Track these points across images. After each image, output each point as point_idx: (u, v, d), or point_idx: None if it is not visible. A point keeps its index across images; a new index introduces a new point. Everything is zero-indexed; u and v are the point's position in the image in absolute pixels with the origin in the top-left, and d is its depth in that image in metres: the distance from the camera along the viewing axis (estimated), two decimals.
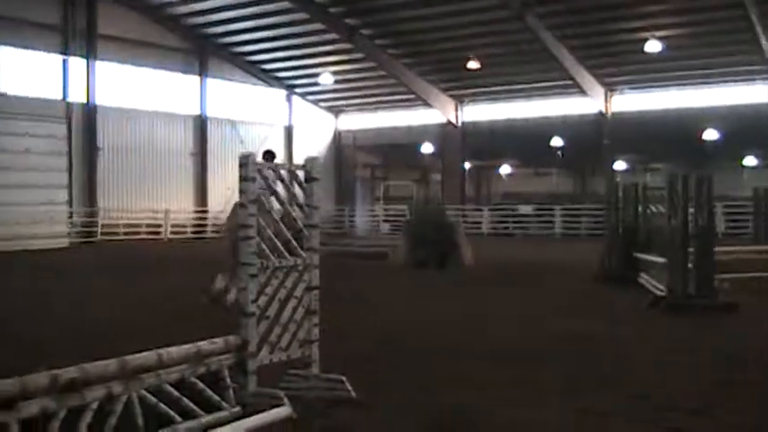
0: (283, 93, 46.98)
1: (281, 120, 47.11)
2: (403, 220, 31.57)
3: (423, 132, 46.94)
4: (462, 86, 43.77)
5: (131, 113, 38.44)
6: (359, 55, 40.95)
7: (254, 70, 44.47)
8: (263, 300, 6.67)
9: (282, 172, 7.14)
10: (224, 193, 38.34)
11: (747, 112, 36.73)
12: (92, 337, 10.14)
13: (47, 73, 35.14)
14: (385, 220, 45.79)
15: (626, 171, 48.20)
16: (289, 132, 47.41)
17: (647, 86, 39.90)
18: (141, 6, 38.22)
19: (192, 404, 5.87)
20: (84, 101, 36.28)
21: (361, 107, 49.04)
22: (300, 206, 7.26)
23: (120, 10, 37.27)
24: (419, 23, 37.55)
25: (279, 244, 6.94)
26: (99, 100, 36.78)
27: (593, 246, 21.67)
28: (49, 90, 34.84)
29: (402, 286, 17.43)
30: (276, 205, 7.45)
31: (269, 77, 45.38)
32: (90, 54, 36.14)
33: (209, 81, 42.25)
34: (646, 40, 34.49)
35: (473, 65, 38.85)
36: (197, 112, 41.90)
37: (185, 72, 41.12)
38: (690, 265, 12.80)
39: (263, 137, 42.90)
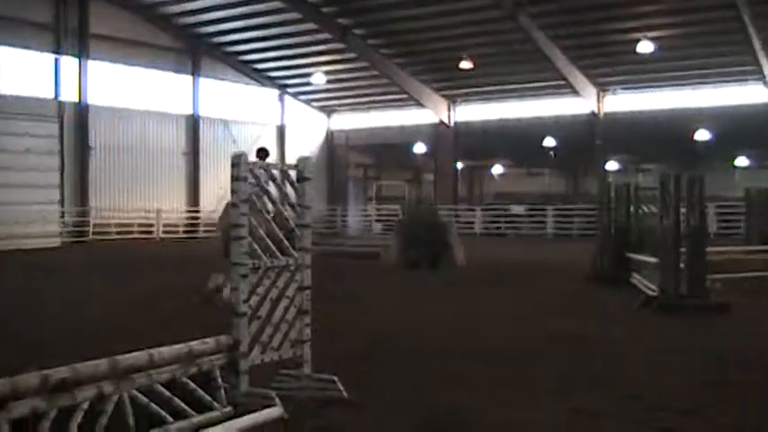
0: (276, 92, 46.96)
1: (274, 119, 47.08)
2: (395, 220, 31.58)
3: (415, 132, 46.95)
4: (455, 86, 43.77)
5: (123, 113, 38.37)
6: (351, 55, 40.94)
7: (246, 70, 44.43)
8: (254, 300, 6.66)
9: (274, 172, 7.13)
10: (216, 192, 38.30)
11: (739, 112, 36.82)
12: (83, 337, 10.11)
13: (38, 72, 35.05)
14: (377, 220, 45.76)
15: (618, 171, 48.37)
16: (281, 132, 47.37)
17: (639, 87, 39.96)
18: (133, 6, 38.15)
19: (183, 404, 5.86)
20: (76, 100, 36.21)
21: (353, 107, 49.03)
22: (292, 206, 7.25)
23: (112, 9, 37.21)
24: (412, 23, 37.55)
25: (271, 244, 6.93)
26: (91, 99, 36.71)
27: (585, 246, 21.67)
28: (41, 89, 34.76)
29: (394, 286, 17.42)
30: (268, 205, 7.44)
31: (261, 77, 45.35)
32: (82, 53, 36.06)
33: (202, 80, 42.21)
34: (638, 40, 34.53)
35: (466, 65, 38.84)
36: (189, 111, 41.86)
37: (177, 71, 41.07)
38: (682, 266, 12.82)
39: (256, 136, 42.83)
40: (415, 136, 47.08)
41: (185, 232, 40.07)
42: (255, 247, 6.70)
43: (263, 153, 14.44)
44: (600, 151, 41.40)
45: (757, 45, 33.34)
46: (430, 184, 49.78)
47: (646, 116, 39.48)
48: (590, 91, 40.40)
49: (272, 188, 7.14)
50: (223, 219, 13.52)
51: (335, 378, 6.95)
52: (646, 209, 17.31)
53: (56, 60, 35.51)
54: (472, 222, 42.82)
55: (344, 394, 6.86)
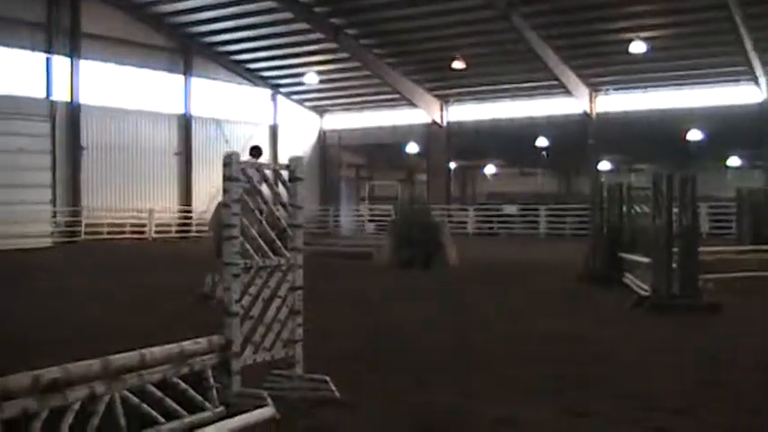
0: (268, 92, 46.93)
1: (266, 119, 47.05)
2: (388, 219, 31.58)
3: (408, 132, 46.96)
4: (447, 86, 43.79)
5: (116, 112, 38.29)
6: (344, 55, 40.92)
7: (238, 69, 44.39)
8: (246, 300, 6.65)
9: (267, 171, 7.12)
10: (209, 192, 38.25)
11: (731, 112, 36.94)
12: (76, 337, 10.09)
13: (30, 71, 34.96)
14: (370, 220, 45.80)
15: (611, 171, 48.49)
16: (274, 132, 47.33)
17: (631, 87, 40.03)
18: (126, 5, 38.07)
19: (175, 404, 5.84)
20: (68, 100, 36.14)
21: (346, 107, 49.01)
22: (284, 206, 7.23)
23: (104, 9, 37.13)
24: (404, 23, 37.55)
25: (263, 244, 6.92)
26: (83, 99, 36.64)
27: (577, 246, 21.71)
28: (33, 88, 34.68)
29: (387, 286, 17.40)
30: (261, 205, 7.42)
31: (254, 77, 45.31)
32: (74, 53, 35.99)
33: (194, 80, 42.15)
34: (631, 40, 34.60)
35: (458, 65, 38.86)
36: (182, 111, 41.81)
37: (170, 71, 41.02)
38: (674, 265, 12.83)
39: (248, 136, 42.73)
40: (408, 136, 47.10)
41: (178, 232, 40.03)
42: (247, 246, 6.68)
43: (256, 151, 14.52)
44: (592, 151, 41.46)
45: (749, 45, 33.43)
46: (422, 184, 49.82)
47: (638, 116, 39.57)
48: (582, 91, 40.46)
49: (264, 188, 7.13)
50: (215, 218, 13.52)
51: (328, 378, 6.94)
52: (638, 209, 17.31)
53: (48, 60, 35.42)
54: (465, 222, 42.85)
55: (337, 394, 6.85)
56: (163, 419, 5.69)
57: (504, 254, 27.57)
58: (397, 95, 44.23)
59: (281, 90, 47.27)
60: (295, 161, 7.15)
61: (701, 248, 13.49)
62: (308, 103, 49.13)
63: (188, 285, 13.55)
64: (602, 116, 40.75)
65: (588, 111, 40.87)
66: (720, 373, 8.37)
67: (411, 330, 11.16)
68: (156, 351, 5.81)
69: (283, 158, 32.86)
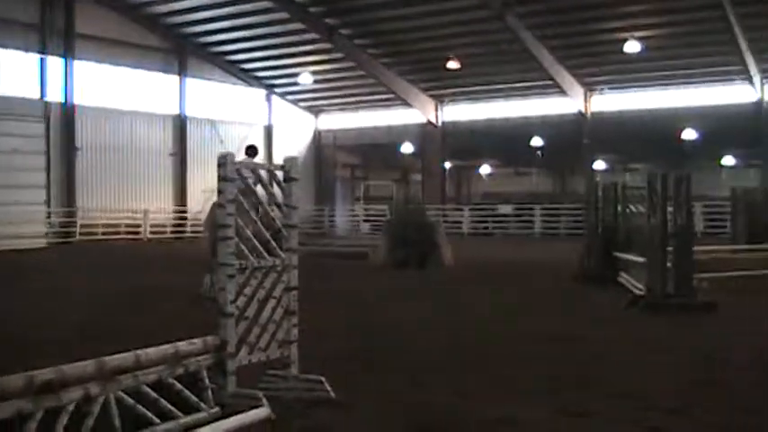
0: (263, 92, 46.89)
1: (261, 119, 47.00)
2: (383, 220, 31.56)
3: (403, 132, 46.95)
4: (442, 86, 43.81)
5: (110, 113, 38.23)
6: (338, 55, 40.92)
7: (233, 70, 44.35)
8: (241, 300, 6.64)
9: (261, 172, 7.11)
10: (204, 192, 38.19)
11: (726, 112, 36.98)
12: (75, 337, 10.08)
13: (24, 72, 34.89)
14: (365, 220, 45.79)
15: (605, 171, 48.43)
16: (268, 132, 47.28)
17: (626, 86, 40.07)
18: (120, 6, 38.01)
19: (170, 405, 5.83)
20: (62, 100, 36.05)
21: (340, 107, 48.99)
22: (279, 206, 7.23)
23: (98, 9, 37.06)
24: (399, 23, 37.55)
25: (257, 244, 6.91)
26: (77, 99, 36.57)
27: (572, 245, 21.72)
28: (27, 89, 34.61)
29: (382, 286, 17.40)
30: (255, 205, 7.42)
31: (248, 77, 45.28)
32: (68, 53, 35.92)
33: (189, 81, 42.10)
34: (625, 40, 34.65)
35: (453, 65, 38.89)
36: (176, 111, 41.76)
37: (164, 72, 40.97)
38: (669, 265, 12.84)
39: (243, 136, 42.66)
40: (403, 136, 47.08)
41: (172, 233, 39.98)
42: (242, 247, 6.68)
43: (251, 151, 14.55)
44: (587, 151, 41.51)
45: (743, 45, 33.49)
46: (417, 184, 49.80)
47: (633, 116, 39.61)
48: (577, 91, 40.49)
49: (258, 188, 7.12)
50: (210, 219, 13.51)
51: (323, 378, 6.94)
52: (633, 208, 17.33)
53: (42, 60, 35.34)
54: (460, 222, 42.88)
55: (332, 395, 6.85)
56: (158, 420, 5.68)
57: (499, 254, 27.59)
58: (391, 95, 44.25)
59: (276, 90, 47.24)
60: (290, 161, 7.14)
61: (695, 248, 13.51)
62: (302, 104, 49.10)
63: (185, 286, 13.53)
64: (596, 116, 40.78)
65: (583, 110, 40.91)
66: (715, 372, 8.38)
67: (406, 330, 11.16)
68: (151, 352, 5.80)
69: (278, 159, 32.82)
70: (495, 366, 8.69)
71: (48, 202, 33.41)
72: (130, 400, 5.51)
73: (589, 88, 40.77)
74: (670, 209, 12.96)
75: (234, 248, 6.51)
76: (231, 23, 38.87)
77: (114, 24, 37.77)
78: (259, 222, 7.15)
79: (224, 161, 6.46)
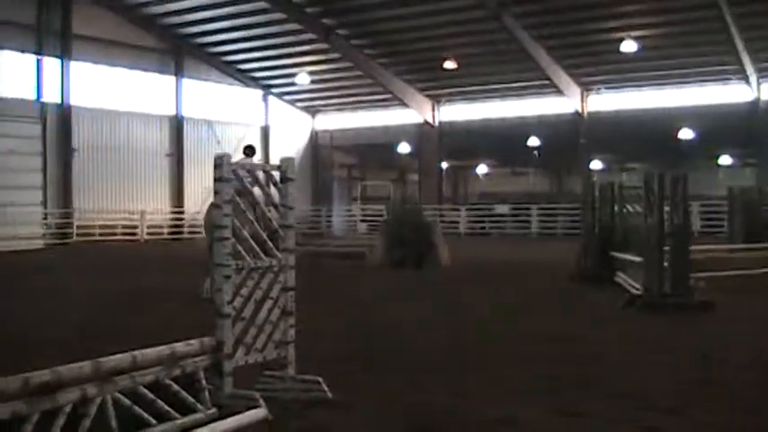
0: (260, 93, 46.89)
1: (258, 120, 47.00)
2: (380, 220, 31.55)
3: (400, 132, 46.97)
4: (439, 86, 43.83)
5: (107, 114, 38.22)
6: (335, 55, 40.92)
7: (230, 70, 44.35)
8: (238, 301, 6.62)
9: (258, 172, 7.09)
10: (201, 193, 38.18)
11: (722, 111, 37.03)
12: (75, 338, 10.07)
13: (21, 73, 34.84)
14: (362, 220, 45.80)
15: (602, 170, 48.56)
16: (265, 132, 47.28)
17: (623, 86, 40.10)
18: (117, 6, 37.99)
19: (167, 406, 5.81)
20: (59, 101, 36.02)
21: (337, 107, 49.00)
22: (276, 206, 7.21)
23: (95, 10, 37.03)
24: (395, 23, 37.56)
25: (254, 245, 6.89)
26: (74, 100, 36.55)
27: (569, 245, 21.71)
28: (23, 90, 34.56)
29: (379, 286, 17.39)
30: (252, 206, 7.40)
31: (245, 77, 45.27)
32: (65, 54, 35.88)
33: (186, 81, 42.09)
34: (622, 40, 34.69)
35: (450, 65, 38.91)
36: (173, 112, 41.75)
37: (161, 72, 40.96)
38: (665, 264, 12.83)
39: (240, 137, 42.62)
40: (400, 136, 47.11)
41: (170, 233, 39.96)
42: (239, 248, 6.66)
43: (249, 150, 14.56)
44: (584, 150, 41.51)
45: (739, 45, 33.54)
46: (414, 184, 49.83)
47: (629, 115, 39.64)
48: (574, 90, 40.52)
49: (255, 189, 7.11)
50: (207, 220, 13.49)
51: (320, 379, 6.92)
52: (630, 208, 17.31)
53: (38, 61, 35.28)
54: (457, 222, 42.90)
55: (329, 395, 6.83)
56: (155, 421, 5.66)
57: (495, 254, 27.60)
58: (388, 95, 44.27)
59: (273, 91, 47.24)
60: (286, 162, 7.12)
61: (692, 247, 13.51)
62: (299, 104, 49.10)
63: (182, 287, 13.50)
64: (593, 115, 40.82)
65: (579, 110, 40.94)
66: (713, 371, 8.37)
67: (405, 330, 11.14)
68: (148, 353, 5.78)
69: (275, 159, 32.82)
70: (495, 366, 8.68)
71: (44, 204, 33.40)
72: (127, 402, 5.49)
73: (586, 88, 40.79)
74: (667, 208, 12.94)
75: (231, 249, 6.49)
76: (228, 24, 38.87)
77: (111, 25, 37.75)
78: (256, 223, 7.13)
79: (220, 162, 6.44)
